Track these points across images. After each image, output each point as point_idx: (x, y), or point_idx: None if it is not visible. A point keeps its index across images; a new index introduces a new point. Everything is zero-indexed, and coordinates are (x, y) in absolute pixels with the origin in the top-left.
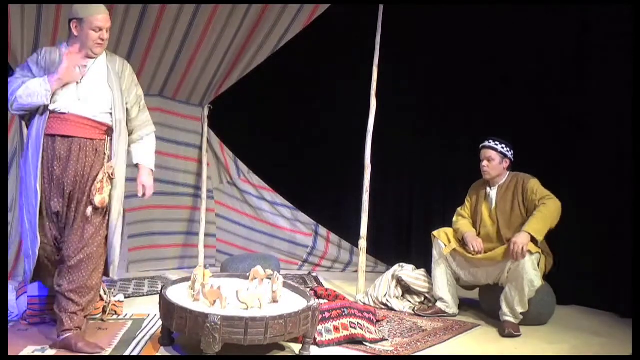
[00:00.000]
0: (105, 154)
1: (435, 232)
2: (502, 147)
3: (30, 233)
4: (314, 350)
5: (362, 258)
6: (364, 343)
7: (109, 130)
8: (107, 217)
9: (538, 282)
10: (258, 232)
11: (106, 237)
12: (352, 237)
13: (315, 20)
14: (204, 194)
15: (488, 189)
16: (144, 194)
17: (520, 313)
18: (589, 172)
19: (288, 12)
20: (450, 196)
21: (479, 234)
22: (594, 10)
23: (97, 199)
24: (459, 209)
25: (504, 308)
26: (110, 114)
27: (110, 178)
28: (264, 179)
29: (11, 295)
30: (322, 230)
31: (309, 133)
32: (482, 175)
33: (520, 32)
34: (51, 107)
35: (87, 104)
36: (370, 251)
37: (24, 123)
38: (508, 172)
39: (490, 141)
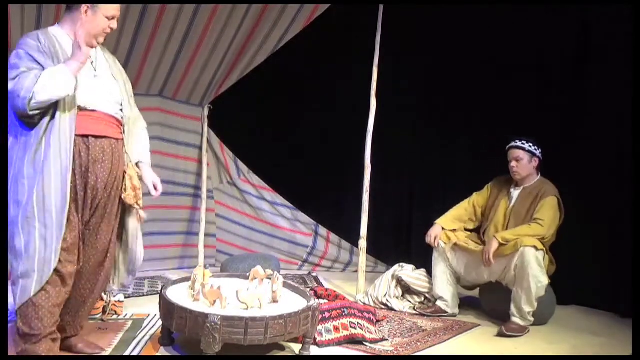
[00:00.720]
0: (125, 153)
1: None
2: (530, 146)
3: (46, 251)
4: (314, 350)
5: (362, 258)
6: (364, 343)
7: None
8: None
9: (544, 278)
10: (258, 232)
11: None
12: (352, 237)
13: (315, 20)
14: (204, 194)
15: (512, 188)
16: (155, 190)
17: (531, 314)
18: (589, 172)
19: (288, 12)
20: (450, 196)
21: (486, 229)
22: (594, 10)
23: (134, 200)
24: (475, 194)
25: (512, 308)
26: (121, 109)
27: (139, 178)
28: (264, 179)
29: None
30: (322, 230)
31: (309, 133)
32: (512, 176)
33: (520, 32)
34: (80, 104)
35: (107, 99)
36: (370, 251)
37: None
38: (539, 176)
39: (517, 141)
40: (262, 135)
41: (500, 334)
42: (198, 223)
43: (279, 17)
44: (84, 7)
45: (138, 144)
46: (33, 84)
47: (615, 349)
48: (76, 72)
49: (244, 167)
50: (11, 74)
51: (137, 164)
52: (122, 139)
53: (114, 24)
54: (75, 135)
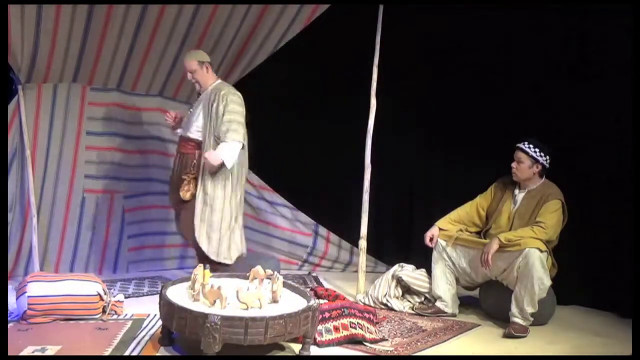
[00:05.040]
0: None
1: None
2: (535, 152)
3: None
4: (314, 350)
5: (362, 258)
6: (364, 343)
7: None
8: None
9: (547, 280)
10: (258, 232)
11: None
12: (352, 237)
13: (315, 20)
14: None
15: (517, 190)
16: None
17: (531, 314)
18: (588, 172)
19: (288, 12)
20: (450, 196)
21: (489, 231)
22: (593, 12)
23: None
24: (478, 196)
25: (513, 309)
26: (201, 131)
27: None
28: (264, 179)
29: (11, 295)
30: (322, 230)
31: (309, 133)
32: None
33: (520, 33)
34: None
35: (189, 128)
36: (370, 251)
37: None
38: (543, 179)
39: (525, 143)
40: (262, 135)
41: (508, 335)
42: None
43: (279, 17)
44: None
45: (221, 145)
46: None
47: (615, 349)
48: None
49: None
50: None
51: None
52: (194, 153)
53: (189, 76)
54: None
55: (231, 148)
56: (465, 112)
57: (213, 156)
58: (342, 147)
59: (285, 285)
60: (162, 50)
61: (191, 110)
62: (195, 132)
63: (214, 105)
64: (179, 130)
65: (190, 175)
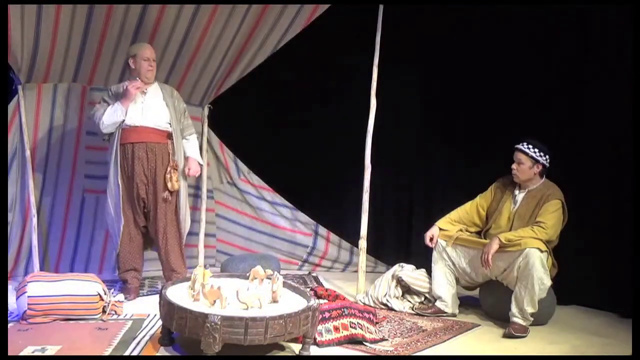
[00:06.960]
0: (169, 152)
1: None
2: (535, 152)
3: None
4: (314, 350)
5: (362, 258)
6: (364, 343)
7: (170, 135)
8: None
9: (547, 280)
10: (258, 232)
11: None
12: (352, 237)
13: (315, 20)
14: (204, 194)
15: (517, 190)
16: (189, 173)
17: (531, 314)
18: (589, 173)
19: (288, 12)
20: (451, 196)
21: (489, 231)
22: (593, 12)
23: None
24: (478, 196)
25: (513, 309)
26: (170, 124)
27: (175, 169)
28: (264, 179)
29: (11, 295)
30: (322, 230)
31: (309, 133)
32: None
33: (521, 33)
34: (127, 122)
35: (152, 118)
36: (370, 251)
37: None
38: (543, 179)
39: (524, 144)
40: (262, 135)
41: (508, 335)
42: (198, 223)
43: (278, 17)
44: (130, 59)
45: (189, 145)
46: (101, 116)
47: (615, 349)
48: (125, 104)
49: (244, 167)
50: (96, 113)
51: (186, 158)
52: (167, 143)
53: (152, 63)
54: (120, 143)
55: (197, 144)
56: (466, 111)
57: (196, 165)
58: (342, 147)
59: (285, 285)
60: (162, 51)
61: (142, 101)
62: (165, 123)
63: (176, 101)
64: (134, 122)
65: (176, 165)
